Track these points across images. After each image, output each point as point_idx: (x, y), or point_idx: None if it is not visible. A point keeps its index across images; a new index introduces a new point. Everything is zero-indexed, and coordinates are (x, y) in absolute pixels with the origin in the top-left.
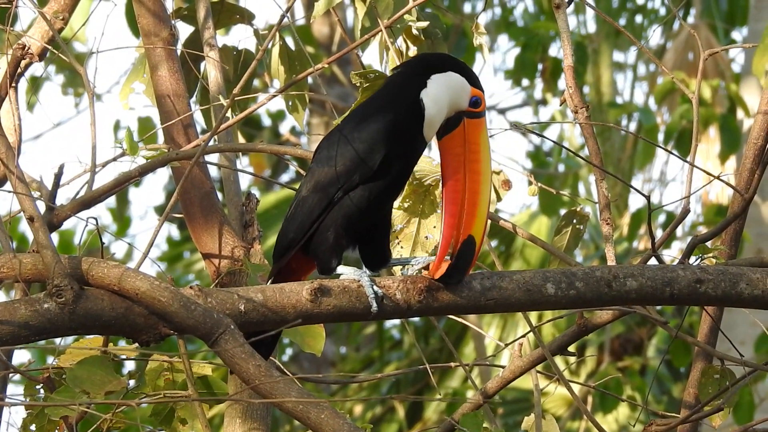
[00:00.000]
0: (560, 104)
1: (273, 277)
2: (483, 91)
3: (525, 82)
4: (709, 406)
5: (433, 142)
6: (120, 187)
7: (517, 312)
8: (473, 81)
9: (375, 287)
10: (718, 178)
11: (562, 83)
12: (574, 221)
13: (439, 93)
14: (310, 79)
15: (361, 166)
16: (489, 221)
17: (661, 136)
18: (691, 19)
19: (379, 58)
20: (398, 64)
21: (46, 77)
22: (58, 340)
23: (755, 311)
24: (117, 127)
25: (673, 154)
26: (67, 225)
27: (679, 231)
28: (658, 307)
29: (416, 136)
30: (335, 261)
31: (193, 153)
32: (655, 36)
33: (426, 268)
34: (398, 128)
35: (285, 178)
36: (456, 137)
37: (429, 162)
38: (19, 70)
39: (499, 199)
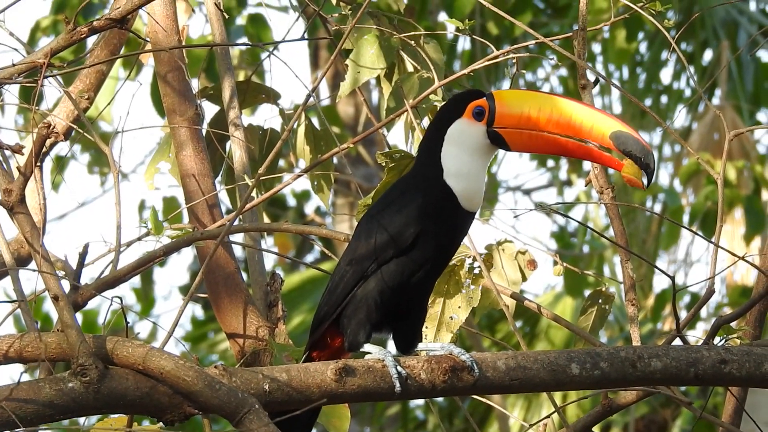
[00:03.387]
0: (585, 185)
1: (308, 350)
2: (470, 96)
3: (550, 162)
4: None
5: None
6: (144, 267)
7: (541, 392)
8: (460, 106)
9: (399, 367)
10: (742, 258)
11: (587, 164)
12: (599, 301)
13: (459, 164)
14: (335, 159)
15: (395, 240)
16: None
17: (686, 218)
18: (716, 101)
19: (404, 138)
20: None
21: (72, 156)
22: (82, 420)
23: None
24: (142, 206)
25: (698, 235)
26: (91, 304)
27: (703, 312)
28: (683, 388)
29: (454, 214)
30: (363, 336)
31: (218, 233)
32: (680, 117)
33: None
34: (430, 209)
35: (310, 258)
36: (514, 140)
37: None
38: (44, 149)
39: (524, 279)
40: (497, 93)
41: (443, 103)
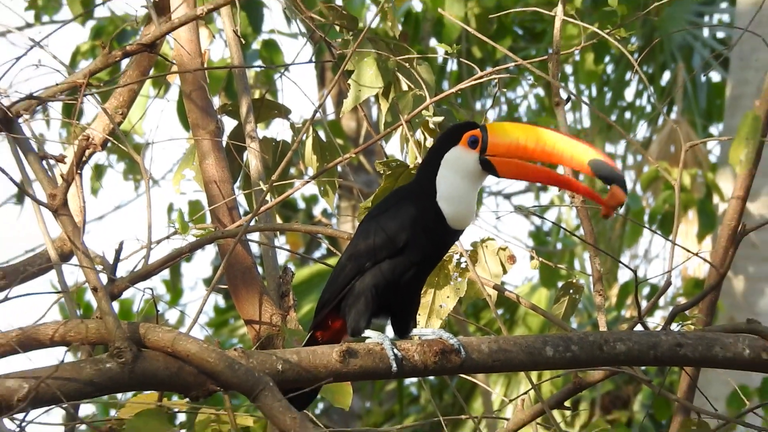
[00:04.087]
0: (559, 191)
1: (311, 331)
2: (465, 126)
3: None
4: None
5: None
6: (172, 262)
7: (520, 372)
8: (456, 134)
9: (395, 350)
10: (696, 255)
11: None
12: (571, 292)
13: (450, 188)
14: (339, 168)
15: (388, 243)
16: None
17: (646, 218)
18: (673, 116)
19: (400, 148)
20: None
21: (108, 165)
22: (119, 395)
23: (728, 371)
24: (170, 209)
25: (657, 233)
26: (126, 295)
27: (661, 301)
28: (643, 367)
29: (441, 231)
30: (364, 323)
31: (236, 232)
32: (642, 130)
33: None
34: (423, 223)
35: (317, 254)
36: (503, 167)
37: None
38: (84, 159)
39: (504, 272)
40: (490, 125)
41: (441, 131)
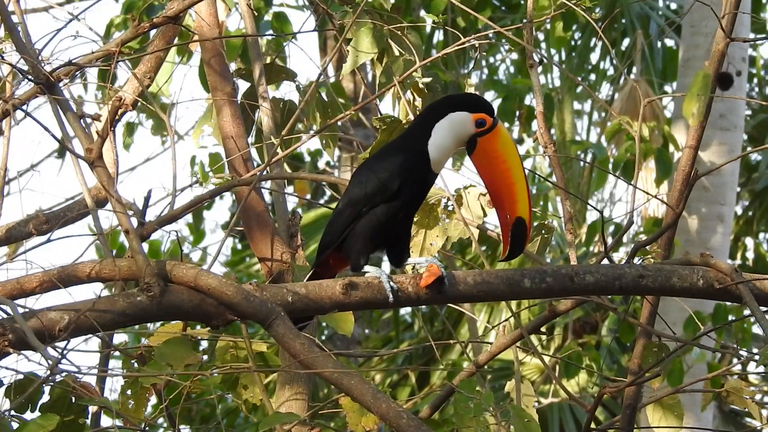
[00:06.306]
0: (533, 141)
1: (315, 268)
2: (486, 109)
3: (506, 124)
4: (649, 372)
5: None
6: (195, 207)
7: (501, 301)
8: (475, 107)
9: (391, 283)
10: (655, 197)
11: (534, 125)
12: (543, 232)
13: (441, 139)
14: (340, 123)
15: (382, 189)
16: (528, 205)
17: (611, 166)
18: (633, 76)
19: (392, 106)
20: (416, 114)
21: (138, 122)
22: (148, 325)
23: (684, 299)
24: (193, 161)
25: (620, 179)
26: (154, 236)
27: (624, 238)
28: (610, 296)
29: (426, 173)
30: (363, 261)
31: (251, 180)
32: (605, 89)
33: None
34: (410, 168)
35: (322, 200)
36: (479, 155)
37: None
38: (116, 117)
39: (485, 214)
40: (500, 126)
41: (471, 93)
